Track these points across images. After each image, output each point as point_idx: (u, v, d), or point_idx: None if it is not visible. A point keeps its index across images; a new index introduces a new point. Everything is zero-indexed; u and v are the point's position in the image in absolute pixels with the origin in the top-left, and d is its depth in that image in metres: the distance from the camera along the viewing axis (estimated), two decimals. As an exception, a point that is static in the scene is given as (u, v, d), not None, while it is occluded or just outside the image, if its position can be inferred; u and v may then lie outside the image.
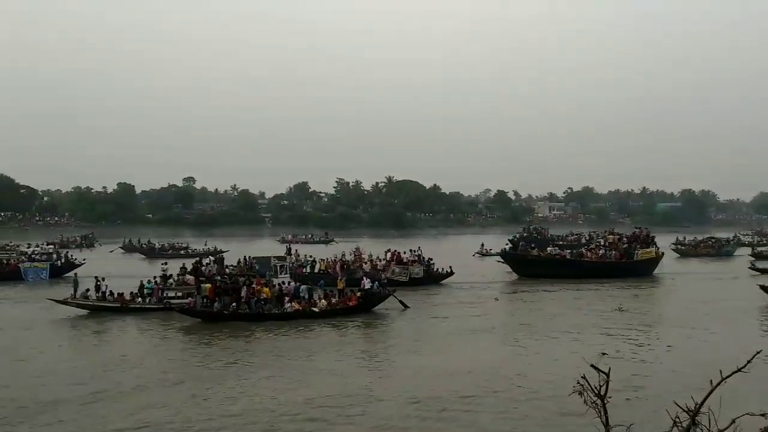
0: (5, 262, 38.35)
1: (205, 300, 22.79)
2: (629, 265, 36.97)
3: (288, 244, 51.23)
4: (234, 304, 22.40)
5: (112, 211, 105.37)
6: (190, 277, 25.70)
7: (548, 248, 43.19)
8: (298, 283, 26.11)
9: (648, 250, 38.09)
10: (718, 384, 5.24)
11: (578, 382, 5.36)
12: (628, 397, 12.48)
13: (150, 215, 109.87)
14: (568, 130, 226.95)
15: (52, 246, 50.70)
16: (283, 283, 25.97)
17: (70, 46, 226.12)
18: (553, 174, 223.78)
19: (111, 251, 60.57)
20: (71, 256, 41.98)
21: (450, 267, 34.57)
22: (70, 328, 21.83)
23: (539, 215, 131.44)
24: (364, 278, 26.58)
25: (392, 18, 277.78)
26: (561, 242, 53.84)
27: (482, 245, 58.21)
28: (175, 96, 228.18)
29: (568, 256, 39.79)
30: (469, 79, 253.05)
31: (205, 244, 60.28)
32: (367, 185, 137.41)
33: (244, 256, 33.95)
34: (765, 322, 22.45)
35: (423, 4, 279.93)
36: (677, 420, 5.28)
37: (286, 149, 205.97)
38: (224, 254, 47.32)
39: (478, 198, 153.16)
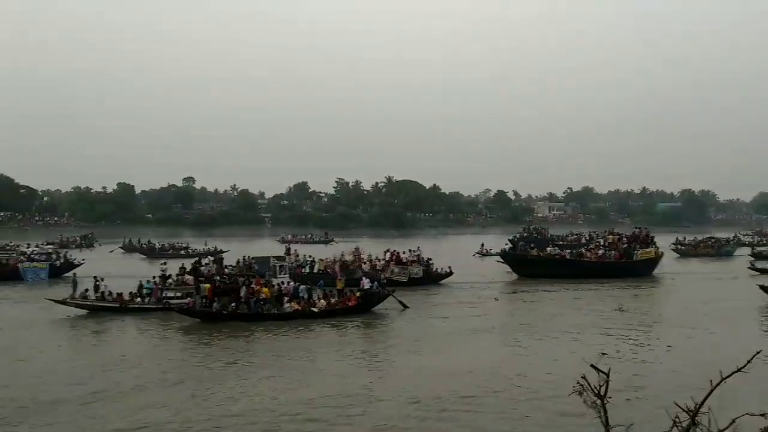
0: (4, 262, 38.30)
1: (204, 300, 22.77)
2: (629, 265, 36.96)
3: (287, 244, 51.21)
4: (233, 304, 22.38)
5: (112, 211, 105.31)
6: (189, 277, 25.68)
7: (548, 248, 43.16)
8: (297, 283, 26.09)
9: (647, 250, 38.08)
10: (718, 384, 5.23)
11: (578, 382, 5.35)
12: (628, 397, 12.47)
13: (150, 215, 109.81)
14: (568, 130, 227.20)
15: (51, 246, 50.68)
16: (283, 283, 25.95)
17: (70, 46, 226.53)
18: (553, 174, 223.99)
19: (111, 251, 60.54)
20: (70, 256, 41.97)
21: (449, 267, 34.56)
22: (69, 328, 21.82)
23: (539, 215, 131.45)
24: (364, 278, 26.54)
25: (392, 18, 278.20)
26: (561, 242, 53.81)
27: (482, 245, 58.20)
28: (175, 96, 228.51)
29: (567, 256, 39.79)
30: (469, 79, 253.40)
31: (205, 244, 60.24)
32: (367, 185, 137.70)
33: (243, 256, 33.92)
34: (765, 322, 22.46)
35: (423, 4, 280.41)
36: (677, 420, 5.27)
37: (286, 149, 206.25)
38: (224, 254, 47.34)
39: (478, 198, 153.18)
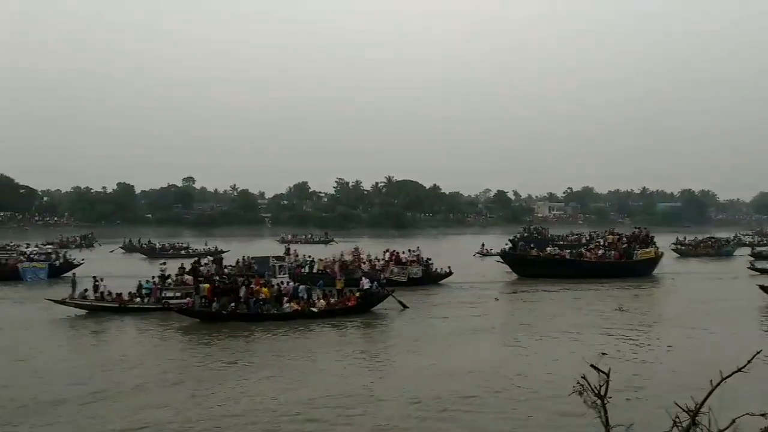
0: (4, 262, 38.29)
1: (203, 300, 22.75)
2: (629, 265, 36.95)
3: (287, 244, 51.18)
4: (232, 304, 22.36)
5: (112, 211, 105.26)
6: (188, 277, 25.65)
7: (548, 248, 43.13)
8: (296, 283, 26.07)
9: (647, 250, 38.07)
10: (718, 384, 5.22)
11: (578, 382, 5.35)
12: (629, 397, 12.46)
13: (150, 215, 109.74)
14: (568, 130, 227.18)
15: (50, 246, 50.67)
16: (282, 283, 25.93)
17: (70, 46, 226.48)
18: (553, 174, 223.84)
19: (111, 251, 60.52)
20: (70, 256, 41.94)
21: (449, 267, 34.53)
22: (69, 328, 21.80)
23: (539, 215, 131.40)
24: (363, 278, 26.52)
25: (392, 18, 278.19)
26: (561, 242, 53.77)
27: (483, 245, 58.17)
28: (175, 96, 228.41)
29: (567, 256, 39.77)
30: (469, 79, 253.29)
31: (206, 244, 60.19)
32: (367, 185, 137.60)
33: (243, 256, 33.90)
34: (765, 322, 22.45)
35: (423, 4, 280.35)
36: (677, 420, 5.27)
37: (286, 149, 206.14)
38: (225, 254, 47.30)
39: (478, 198, 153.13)
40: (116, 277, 31.18)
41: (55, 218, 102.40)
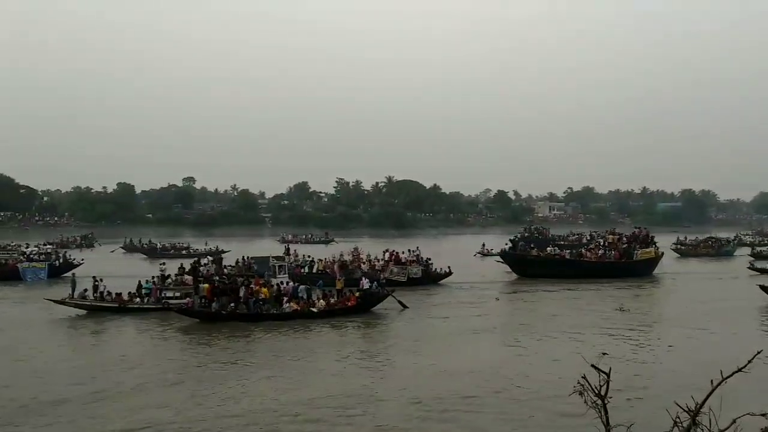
0: (3, 262, 38.28)
1: (203, 300, 22.73)
2: (629, 265, 36.94)
3: (286, 244, 51.18)
4: (232, 304, 22.34)
5: (112, 211, 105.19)
6: (188, 277, 25.64)
7: (548, 248, 43.11)
8: (296, 284, 26.06)
9: (647, 250, 38.08)
10: (719, 384, 5.21)
11: (579, 383, 5.33)
12: (629, 397, 12.44)
13: (150, 215, 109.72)
14: (568, 130, 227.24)
15: (50, 246, 50.66)
16: (282, 283, 25.91)
17: (70, 46, 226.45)
18: (553, 174, 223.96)
19: (112, 251, 60.53)
20: (69, 256, 41.93)
21: (448, 267, 34.51)
22: (69, 329, 21.78)
23: (539, 215, 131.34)
24: (363, 278, 26.51)
25: (392, 18, 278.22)
26: (562, 242, 53.78)
27: (483, 245, 58.18)
28: (175, 96, 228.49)
29: (567, 256, 39.75)
30: (469, 79, 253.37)
31: (206, 244, 60.21)
32: (367, 185, 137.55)
33: (243, 256, 33.91)
34: (765, 322, 22.43)
35: (423, 4, 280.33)
36: (678, 420, 5.25)
37: (286, 149, 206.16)
38: (226, 254, 47.34)
39: (478, 198, 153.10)
40: (117, 277, 31.15)
41: (56, 218, 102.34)
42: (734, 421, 5.19)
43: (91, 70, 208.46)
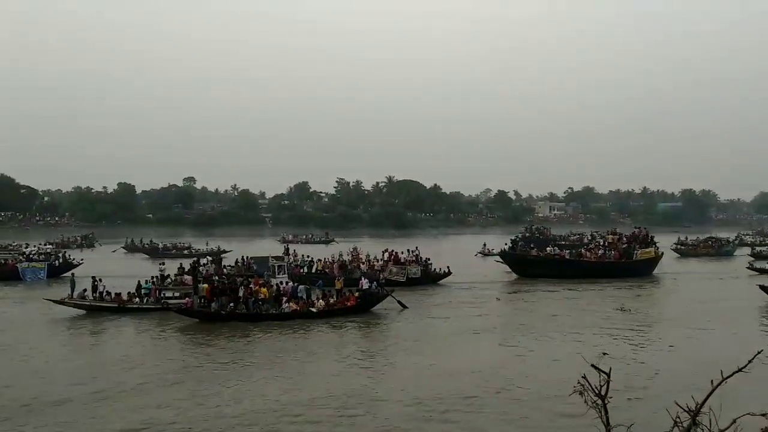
0: (3, 262, 38.27)
1: (202, 300, 22.70)
2: (628, 265, 36.91)
3: (286, 244, 51.17)
4: (231, 304, 22.31)
5: (113, 211, 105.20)
6: (187, 277, 25.63)
7: (547, 248, 43.08)
8: (296, 284, 26.03)
9: (647, 250, 38.05)
10: (719, 384, 5.19)
11: (579, 383, 5.30)
12: (629, 397, 12.43)
13: (150, 215, 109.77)
14: (568, 130, 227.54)
15: (50, 246, 50.67)
16: (281, 283, 25.89)
17: (70, 46, 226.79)
18: (553, 174, 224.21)
19: (113, 251, 60.54)
20: (69, 256, 41.91)
21: (447, 267, 34.47)
22: (69, 329, 21.76)
23: (540, 215, 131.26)
24: (363, 278, 26.49)
25: (392, 18, 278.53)
26: (563, 242, 53.75)
27: (484, 245, 58.18)
28: (175, 96, 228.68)
29: (567, 256, 39.71)
30: (469, 79, 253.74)
31: (207, 245, 60.16)
32: (367, 185, 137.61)
33: (242, 256, 33.90)
34: (765, 322, 22.41)
35: (423, 4, 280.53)
36: (678, 420, 5.24)
37: (286, 149, 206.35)
38: (227, 254, 47.35)
39: (479, 198, 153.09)
40: (118, 277, 31.15)
41: (56, 218, 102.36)
42: (734, 421, 5.18)
43: (91, 70, 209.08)
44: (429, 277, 33.56)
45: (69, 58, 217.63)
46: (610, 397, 5.39)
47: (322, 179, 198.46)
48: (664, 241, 49.19)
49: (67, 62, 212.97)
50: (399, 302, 24.72)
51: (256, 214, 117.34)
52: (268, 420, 11.69)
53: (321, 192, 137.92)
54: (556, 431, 11.12)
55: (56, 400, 13.03)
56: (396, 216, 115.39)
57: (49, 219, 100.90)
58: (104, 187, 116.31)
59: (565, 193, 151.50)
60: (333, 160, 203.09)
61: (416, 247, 37.07)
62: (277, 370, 15.56)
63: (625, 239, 39.72)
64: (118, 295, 24.51)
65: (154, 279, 25.83)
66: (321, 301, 23.50)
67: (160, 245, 60.65)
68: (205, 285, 23.14)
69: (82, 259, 41.16)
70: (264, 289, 23.30)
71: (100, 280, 25.44)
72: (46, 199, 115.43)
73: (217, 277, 24.68)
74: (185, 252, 55.27)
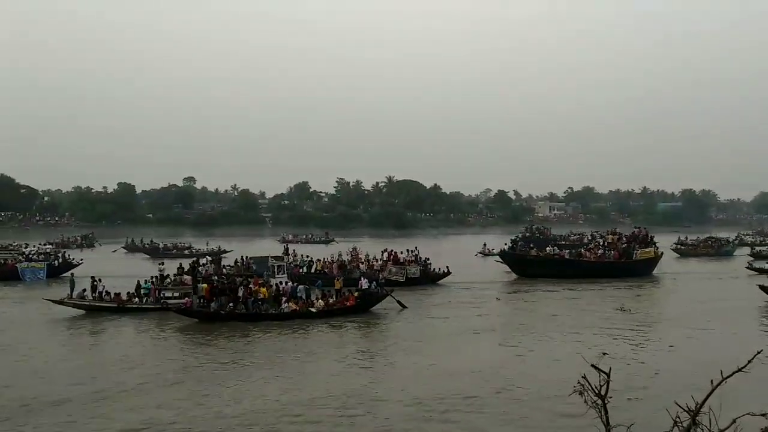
0: (2, 262, 38.25)
1: (201, 300, 22.69)
2: (628, 265, 36.90)
3: (286, 244, 51.17)
4: (231, 304, 22.30)
5: (113, 211, 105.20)
6: (187, 277, 25.61)
7: (547, 248, 43.06)
8: (295, 283, 26.02)
9: (647, 249, 38.04)
10: (719, 384, 5.18)
11: (579, 382, 5.30)
12: (629, 397, 12.42)
13: (150, 215, 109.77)
14: (568, 130, 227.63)
15: (50, 246, 50.66)
16: (281, 283, 25.88)
17: (70, 46, 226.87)
18: (553, 174, 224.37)
19: (114, 251, 60.54)
20: (68, 256, 41.91)
21: (447, 267, 34.44)
22: (68, 329, 21.75)
23: (540, 215, 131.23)
24: (362, 278, 26.48)
25: (392, 18, 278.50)
26: (563, 242, 53.73)
27: (484, 245, 58.16)
28: (175, 96, 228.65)
29: (566, 256, 39.70)
30: (469, 79, 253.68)
31: (207, 244, 60.17)
32: (367, 185, 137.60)
33: (242, 256, 33.89)
34: (765, 322, 22.40)
35: (423, 4, 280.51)
36: (678, 420, 5.23)
37: (286, 149, 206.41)
38: (227, 254, 47.33)
39: (479, 198, 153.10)
40: (118, 277, 31.14)
41: (56, 218, 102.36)
42: (734, 421, 5.17)
43: (91, 70, 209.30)
44: (428, 277, 33.53)
45: (69, 58, 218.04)
46: (610, 397, 5.38)
47: (322, 179, 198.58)
48: (664, 241, 49.18)
49: (67, 62, 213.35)
50: (398, 302, 24.71)
51: (256, 214, 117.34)
52: (268, 420, 11.68)
53: (321, 192, 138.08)
54: (556, 431, 11.11)
55: (56, 400, 13.03)
56: (396, 216, 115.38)
57: (49, 219, 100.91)
58: (104, 187, 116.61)
59: (565, 193, 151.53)
60: (333, 160, 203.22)
61: (415, 247, 37.04)
62: (277, 370, 15.56)
63: (624, 239, 39.71)
64: (117, 295, 24.51)
65: (154, 279, 25.82)
66: (320, 301, 23.48)
67: (161, 245, 60.66)
68: (205, 285, 23.12)
69: (81, 259, 41.16)
70: (263, 289, 23.29)
71: (100, 280, 25.44)
72: (46, 199, 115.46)
73: (216, 277, 24.67)
74: (186, 252, 55.24)
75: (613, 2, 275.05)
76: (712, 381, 5.27)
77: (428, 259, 35.42)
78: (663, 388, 12.91)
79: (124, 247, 63.63)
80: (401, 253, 34.81)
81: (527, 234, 59.83)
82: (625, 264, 36.99)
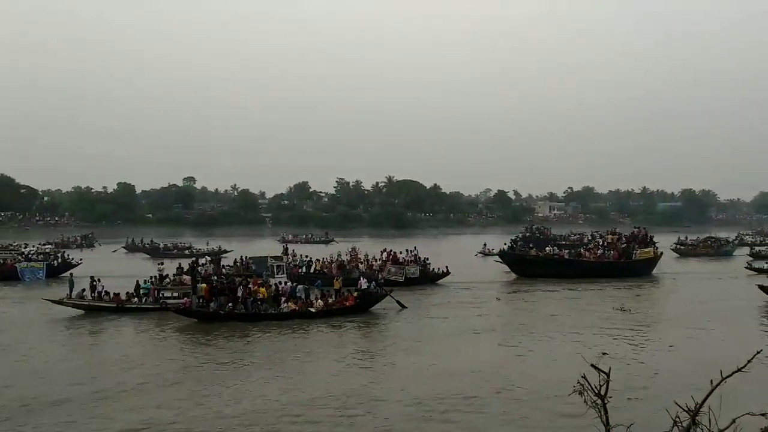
0: (2, 262, 38.25)
1: (200, 300, 22.68)
2: (628, 265, 36.90)
3: (285, 244, 51.13)
4: (230, 304, 22.29)
5: (113, 211, 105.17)
6: (186, 277, 25.59)
7: (547, 248, 43.05)
8: (294, 283, 26.00)
9: (646, 249, 38.04)
10: (719, 384, 5.18)
11: (578, 382, 5.29)
12: (629, 397, 12.42)
13: (150, 215, 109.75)
14: (568, 130, 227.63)
15: (49, 246, 50.64)
16: (280, 283, 25.86)
17: (70, 46, 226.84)
18: (553, 174, 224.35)
19: (114, 251, 60.54)
20: (68, 255, 41.90)
21: (446, 267, 34.43)
22: (68, 329, 21.74)
23: (539, 215, 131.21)
24: (361, 278, 26.48)
25: (392, 18, 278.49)
26: (563, 242, 53.71)
27: (485, 245, 58.16)
28: (175, 96, 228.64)
29: (566, 256, 39.70)
30: (469, 79, 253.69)
31: (207, 244, 60.16)
32: (367, 185, 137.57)
33: (241, 256, 33.87)
34: (764, 322, 22.40)
35: (423, 4, 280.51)
36: (678, 420, 5.23)
37: (286, 149, 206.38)
38: (227, 254, 47.29)
39: (479, 198, 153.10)
40: (117, 277, 31.11)
41: (56, 218, 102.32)
42: (734, 421, 5.16)
43: (91, 70, 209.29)
44: (427, 277, 33.52)
45: (69, 58, 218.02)
46: (610, 397, 5.38)
47: (322, 179, 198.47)
48: (664, 241, 49.18)
49: (67, 62, 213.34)
50: (398, 302, 24.70)
51: (256, 214, 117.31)
52: (268, 420, 11.68)
53: (321, 192, 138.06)
54: (556, 431, 11.11)
55: (56, 400, 13.03)
56: (396, 216, 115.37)
57: (49, 219, 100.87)
58: (104, 187, 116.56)
59: (564, 193, 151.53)
60: (333, 160, 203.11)
61: (415, 247, 37.02)
62: (277, 370, 15.56)
63: (624, 239, 39.71)
64: (116, 295, 24.50)
65: (153, 279, 25.81)
66: (319, 301, 23.48)
67: (161, 245, 60.67)
68: (204, 285, 23.12)
69: (81, 259, 41.16)
70: (263, 289, 23.29)
71: (99, 280, 25.43)
72: (46, 199, 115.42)
73: (215, 277, 24.66)
74: (186, 252, 55.24)
75: (613, 2, 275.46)
76: (711, 381, 5.26)
77: (427, 259, 35.41)
78: (663, 388, 12.91)
79: (124, 247, 63.63)
80: (400, 253, 34.80)
81: (527, 234, 59.81)
82: (624, 264, 36.99)
